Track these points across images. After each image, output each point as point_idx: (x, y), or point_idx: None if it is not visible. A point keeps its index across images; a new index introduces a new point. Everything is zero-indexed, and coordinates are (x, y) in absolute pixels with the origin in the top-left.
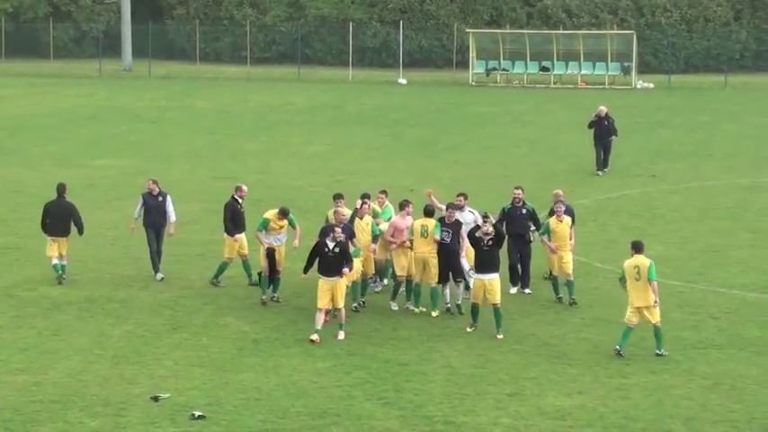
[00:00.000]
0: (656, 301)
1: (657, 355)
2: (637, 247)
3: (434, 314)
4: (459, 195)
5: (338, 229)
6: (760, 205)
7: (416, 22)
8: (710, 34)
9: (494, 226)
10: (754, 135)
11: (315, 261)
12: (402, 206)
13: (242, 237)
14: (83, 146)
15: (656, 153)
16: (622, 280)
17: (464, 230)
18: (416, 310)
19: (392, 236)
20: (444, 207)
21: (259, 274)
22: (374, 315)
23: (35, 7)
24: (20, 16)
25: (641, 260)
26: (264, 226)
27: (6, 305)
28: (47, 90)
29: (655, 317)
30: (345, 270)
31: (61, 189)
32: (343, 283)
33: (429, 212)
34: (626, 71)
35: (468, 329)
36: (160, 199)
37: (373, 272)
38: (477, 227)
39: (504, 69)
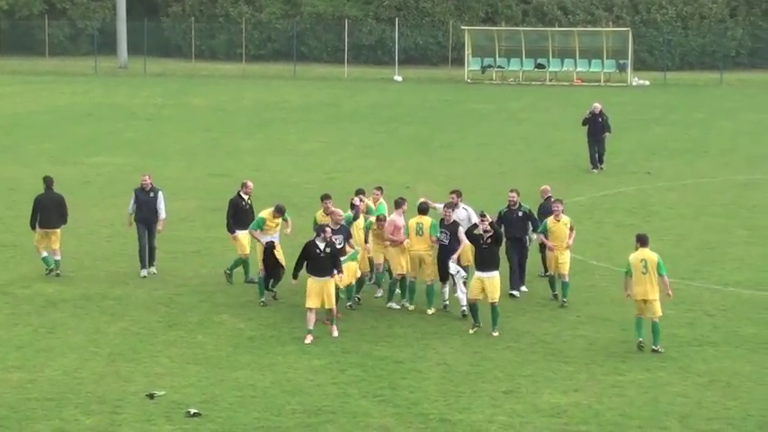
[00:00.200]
0: (669, 295)
1: (653, 350)
2: (642, 240)
3: (430, 312)
4: (452, 192)
5: (328, 229)
6: (755, 202)
7: (412, 19)
8: (706, 31)
9: (491, 225)
10: (750, 132)
11: (304, 263)
12: (398, 204)
13: (244, 234)
14: (78, 143)
15: (652, 150)
16: (628, 273)
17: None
18: (410, 306)
19: (392, 234)
20: (441, 206)
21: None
22: (369, 312)
23: (30, 5)
24: (15, 14)
25: (648, 254)
26: (260, 225)
27: (1, 303)
28: (42, 87)
29: (656, 312)
30: (338, 277)
31: (49, 181)
32: (332, 284)
33: (423, 210)
34: (621, 68)
35: (471, 331)
36: (152, 195)
37: (368, 270)
38: (475, 225)
39: (499, 66)
